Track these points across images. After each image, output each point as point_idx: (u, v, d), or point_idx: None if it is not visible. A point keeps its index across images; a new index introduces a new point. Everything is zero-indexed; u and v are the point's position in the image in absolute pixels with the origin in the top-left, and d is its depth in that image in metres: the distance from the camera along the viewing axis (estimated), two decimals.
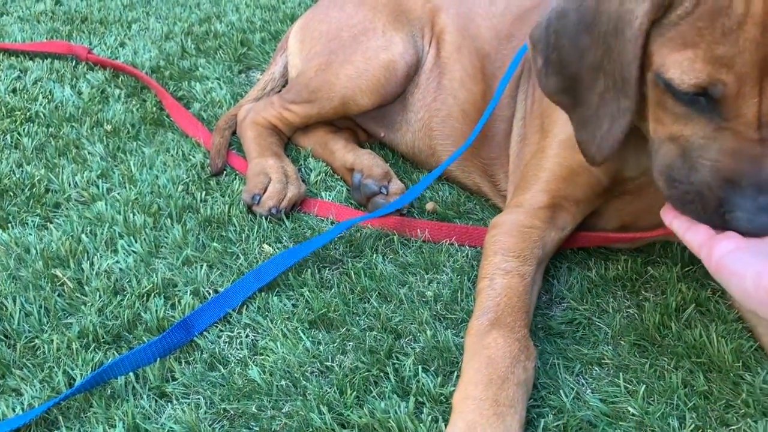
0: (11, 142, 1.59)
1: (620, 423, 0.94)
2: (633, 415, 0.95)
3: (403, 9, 1.47)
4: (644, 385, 0.98)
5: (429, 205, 1.37)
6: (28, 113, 1.69)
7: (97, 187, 1.43)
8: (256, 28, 2.21)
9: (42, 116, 1.69)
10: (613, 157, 1.00)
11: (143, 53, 2.03)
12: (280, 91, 1.65)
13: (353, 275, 1.19)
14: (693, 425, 0.93)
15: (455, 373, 1.00)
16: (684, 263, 1.21)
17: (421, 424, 0.91)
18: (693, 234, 0.92)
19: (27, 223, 1.32)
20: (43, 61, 1.96)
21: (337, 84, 1.43)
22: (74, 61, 1.96)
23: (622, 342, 1.07)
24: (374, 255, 1.24)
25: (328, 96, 1.44)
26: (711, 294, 1.15)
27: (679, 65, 0.85)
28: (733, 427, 0.93)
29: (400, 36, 1.43)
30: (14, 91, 1.81)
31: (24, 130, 1.63)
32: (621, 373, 1.01)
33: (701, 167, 0.88)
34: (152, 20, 2.30)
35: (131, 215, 1.33)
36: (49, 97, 1.78)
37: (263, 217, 1.32)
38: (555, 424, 0.93)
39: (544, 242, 1.10)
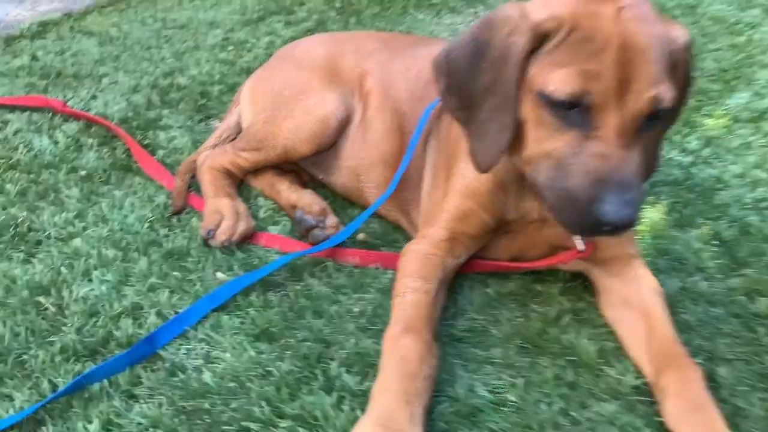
0: None
1: (502, 409, 1.14)
2: (513, 402, 1.16)
3: (337, 72, 1.70)
4: (524, 379, 1.20)
5: (360, 236, 1.60)
6: (10, 161, 1.88)
7: (74, 226, 1.62)
8: (215, 81, 2.40)
9: (23, 164, 1.88)
10: (498, 166, 1.21)
11: (113, 105, 2.21)
12: (234, 138, 1.87)
13: (292, 296, 1.40)
14: (558, 408, 1.15)
15: (371, 373, 1.21)
16: (566, 280, 1.45)
17: (341, 413, 1.13)
18: None
19: (12, 258, 1.51)
20: (22, 114, 2.14)
21: (280, 135, 1.66)
22: (50, 114, 2.13)
23: (510, 345, 1.29)
24: (312, 279, 1.46)
25: (273, 145, 1.67)
26: (586, 306, 1.39)
27: (558, 79, 1.06)
28: (590, 408, 1.15)
29: (333, 95, 1.66)
30: None
31: (7, 176, 1.81)
32: (507, 370, 1.23)
33: (573, 172, 1.07)
34: (121, 74, 2.47)
35: (104, 250, 1.52)
36: (29, 146, 1.96)
37: (217, 249, 1.54)
38: (450, 410, 1.14)
39: (444, 266, 1.33)
